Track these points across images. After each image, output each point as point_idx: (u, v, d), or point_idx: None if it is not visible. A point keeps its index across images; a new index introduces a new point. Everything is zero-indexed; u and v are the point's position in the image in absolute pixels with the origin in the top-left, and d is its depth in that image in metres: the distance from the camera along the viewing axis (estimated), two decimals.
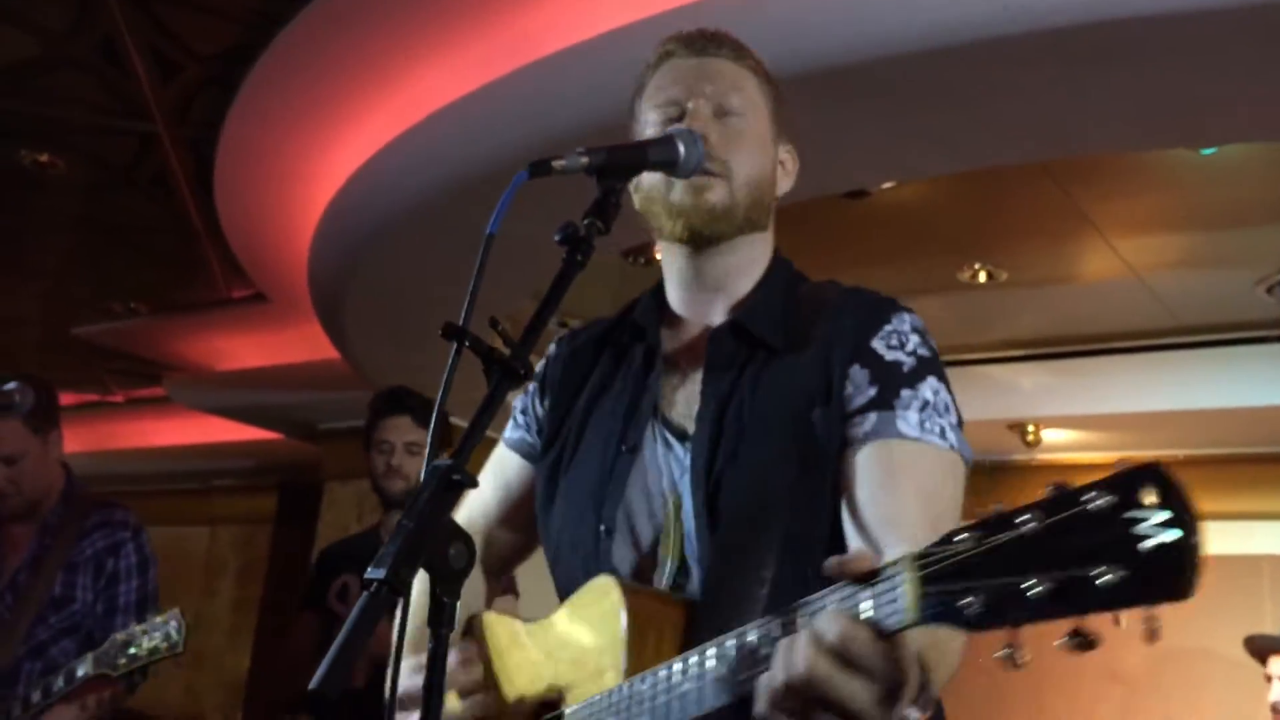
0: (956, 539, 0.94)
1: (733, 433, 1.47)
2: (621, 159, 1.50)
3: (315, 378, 6.77)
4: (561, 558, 1.60)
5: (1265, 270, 4.61)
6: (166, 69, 4.09)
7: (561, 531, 1.61)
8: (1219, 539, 4.84)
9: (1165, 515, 0.82)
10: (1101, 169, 4.01)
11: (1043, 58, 2.84)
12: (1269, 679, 3.78)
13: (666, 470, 1.53)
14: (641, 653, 1.37)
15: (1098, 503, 0.85)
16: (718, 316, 1.59)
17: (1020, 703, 5.87)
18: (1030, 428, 5.92)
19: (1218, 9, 2.59)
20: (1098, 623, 0.89)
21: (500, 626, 1.67)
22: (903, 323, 1.51)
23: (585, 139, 1.52)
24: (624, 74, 3.23)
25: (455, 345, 1.35)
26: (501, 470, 1.78)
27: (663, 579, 1.49)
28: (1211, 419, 5.33)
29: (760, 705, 1.11)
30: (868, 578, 1.06)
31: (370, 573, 1.21)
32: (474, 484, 1.31)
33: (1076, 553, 0.84)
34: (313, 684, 1.11)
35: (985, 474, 6.08)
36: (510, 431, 1.78)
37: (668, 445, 1.55)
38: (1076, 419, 5.80)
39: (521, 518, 1.73)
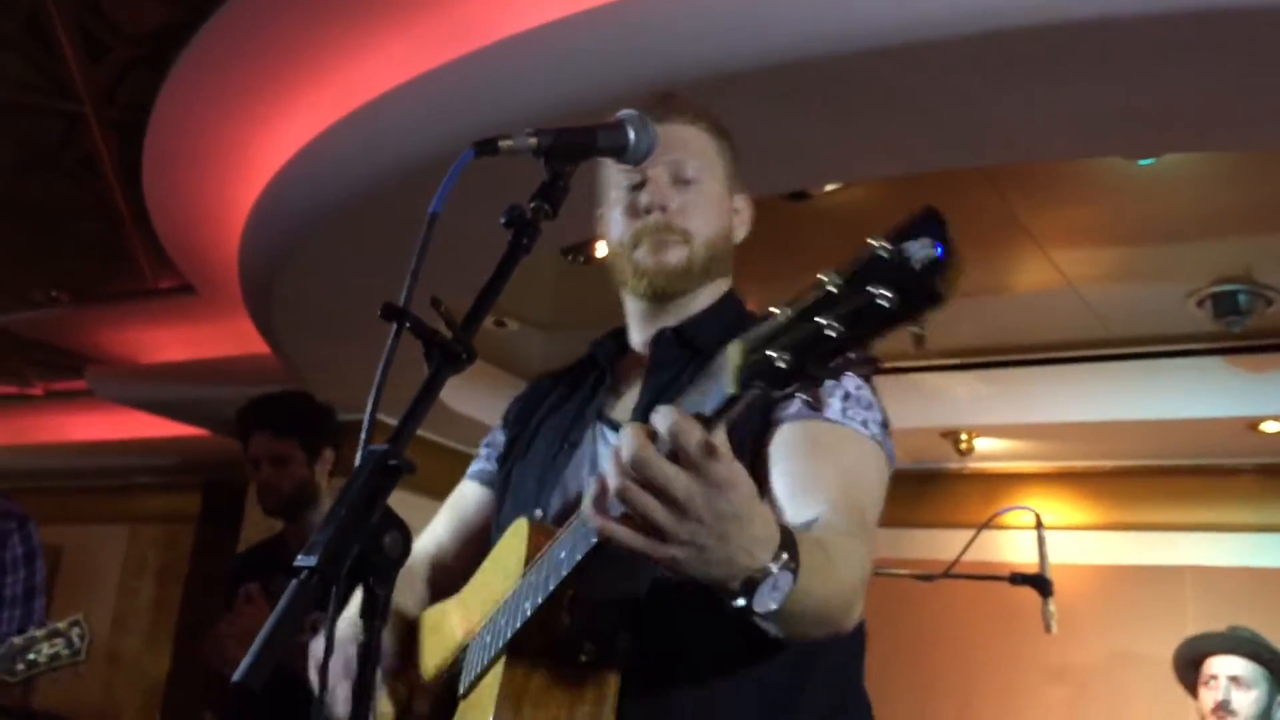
0: (777, 311, 1.02)
1: None
2: (570, 141, 1.49)
3: (244, 373, 6.62)
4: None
5: (1196, 284, 4.68)
6: (95, 47, 3.96)
7: (503, 520, 1.68)
8: (1144, 550, 4.90)
9: (930, 242, 0.93)
10: (1040, 177, 4.04)
11: (985, 62, 2.84)
12: (1210, 680, 3.78)
13: (600, 462, 1.60)
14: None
15: (884, 247, 0.95)
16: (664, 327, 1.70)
17: (948, 701, 5.91)
18: (963, 436, 5.96)
19: (1158, 16, 2.60)
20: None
21: (430, 613, 1.73)
22: None
23: (526, 127, 1.48)
24: (569, 64, 3.21)
25: (395, 326, 1.32)
26: (459, 500, 1.89)
27: None
28: (1140, 430, 5.41)
29: (586, 506, 1.17)
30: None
31: (300, 560, 1.16)
32: (411, 469, 1.27)
33: (865, 287, 0.95)
34: (237, 676, 1.07)
35: (917, 482, 6.12)
36: (473, 466, 1.90)
37: (605, 439, 1.63)
38: (1009, 428, 5.85)
39: (476, 543, 1.79)
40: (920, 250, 0.93)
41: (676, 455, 1.06)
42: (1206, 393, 5.10)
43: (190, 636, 8.28)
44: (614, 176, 1.71)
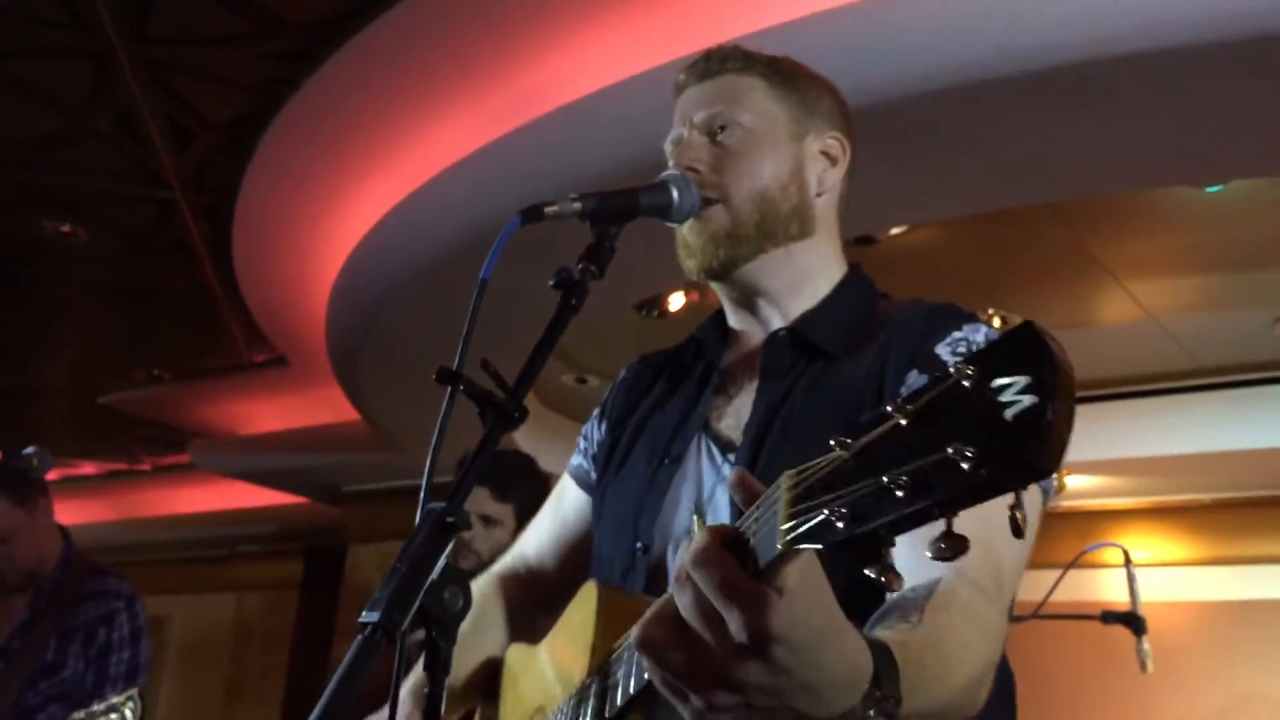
0: (837, 446, 0.81)
1: (777, 440, 1.38)
2: (614, 204, 1.45)
3: (337, 440, 6.81)
4: (603, 574, 1.51)
5: None
6: (182, 137, 4.17)
7: (602, 548, 1.53)
8: (1249, 584, 4.73)
9: (1025, 379, 0.69)
10: (1109, 211, 4.01)
11: (1039, 97, 2.86)
12: None
13: (705, 483, 1.44)
14: (609, 652, 1.26)
15: (967, 376, 0.71)
16: (778, 327, 1.50)
17: None
18: (1055, 474, 5.87)
19: (1213, 44, 2.60)
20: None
21: (516, 655, 1.62)
22: (976, 332, 1.37)
23: (592, 190, 1.51)
24: (627, 126, 3.30)
25: (449, 390, 1.35)
26: (559, 500, 1.72)
27: None
28: (1234, 461, 5.27)
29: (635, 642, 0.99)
30: (752, 500, 0.91)
31: (364, 616, 1.20)
32: (468, 526, 1.29)
33: (940, 436, 0.71)
34: None
35: None
36: (572, 460, 1.71)
37: (711, 458, 1.45)
38: (1100, 464, 5.74)
39: (576, 549, 1.66)
40: (1011, 394, 0.69)
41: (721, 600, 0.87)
42: None
43: (297, 702, 8.41)
44: (669, 151, 1.55)
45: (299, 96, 3.76)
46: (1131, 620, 3.69)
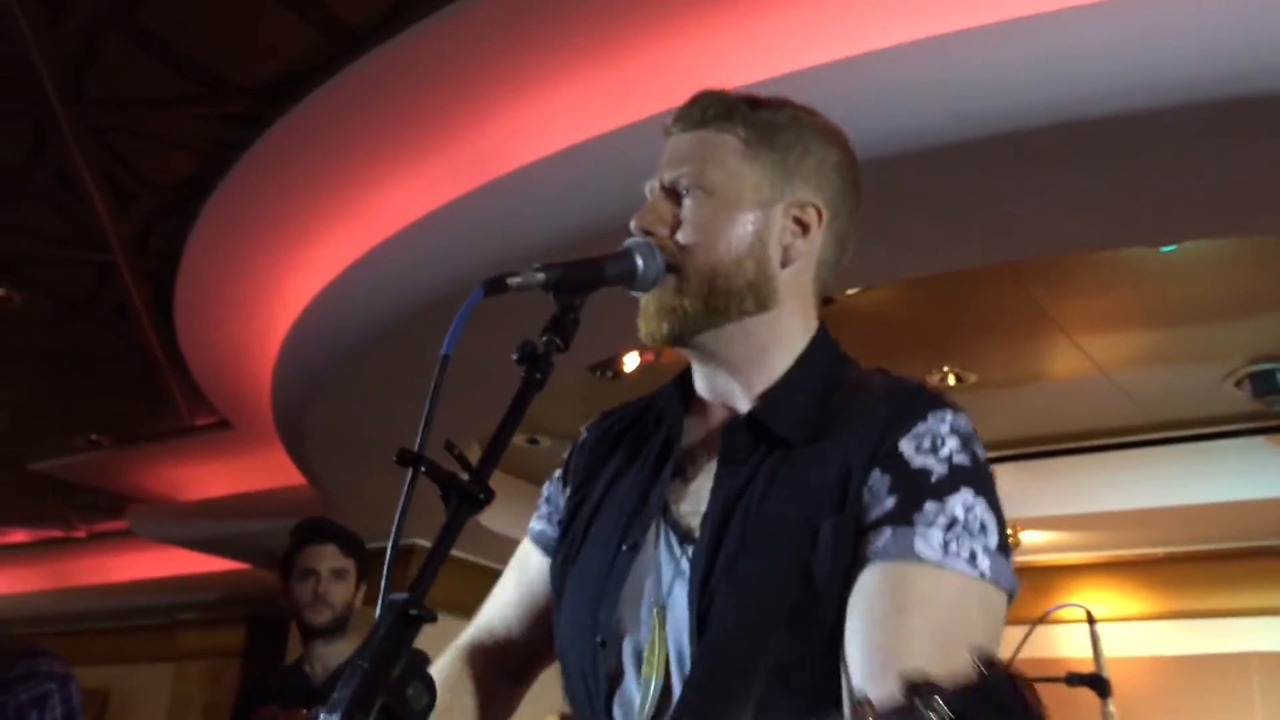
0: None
1: (736, 539, 1.31)
2: (578, 275, 1.39)
3: (282, 505, 6.64)
4: (566, 667, 1.45)
5: (1233, 364, 4.62)
6: (124, 199, 4.07)
7: (564, 638, 1.46)
8: (1205, 638, 4.73)
9: None
10: (1063, 268, 4.03)
11: (1001, 161, 2.86)
12: None
13: (664, 575, 1.38)
14: None
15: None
16: (740, 404, 1.43)
17: None
18: (1009, 529, 5.86)
19: (1171, 107, 2.61)
20: None
21: None
22: (941, 422, 1.32)
23: (544, 256, 1.47)
24: (583, 189, 3.25)
25: (410, 472, 1.29)
26: (523, 565, 1.63)
27: (646, 701, 1.34)
28: (1188, 515, 5.30)
29: None
30: None
31: (323, 718, 1.14)
32: (432, 619, 1.23)
33: None
34: None
35: None
36: (533, 522, 1.63)
37: (669, 547, 1.39)
38: (1053, 519, 5.75)
39: (545, 616, 1.57)
40: None
41: None
42: (1252, 474, 5.01)
43: None
44: None
45: (245, 159, 3.68)
46: (1096, 682, 3.65)
